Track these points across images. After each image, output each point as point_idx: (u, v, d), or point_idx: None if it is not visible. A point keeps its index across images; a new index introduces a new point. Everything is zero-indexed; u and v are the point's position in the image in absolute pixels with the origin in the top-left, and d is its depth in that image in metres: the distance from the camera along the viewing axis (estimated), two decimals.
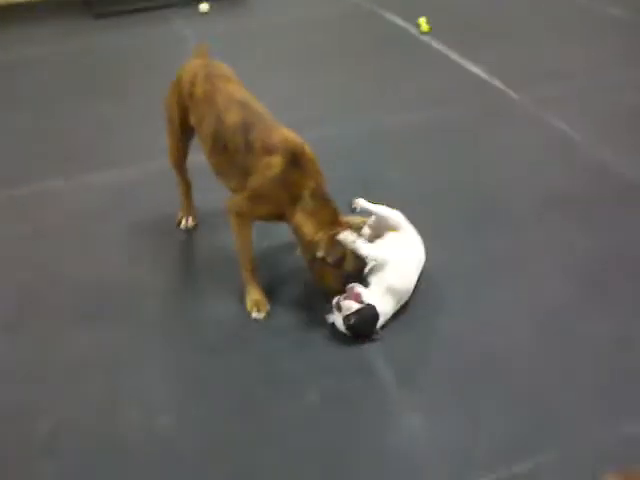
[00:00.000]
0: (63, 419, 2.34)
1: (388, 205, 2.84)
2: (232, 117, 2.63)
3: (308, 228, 2.53)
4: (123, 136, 4.21)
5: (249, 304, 2.72)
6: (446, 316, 2.64)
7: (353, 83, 4.76)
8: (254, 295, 2.72)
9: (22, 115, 4.61)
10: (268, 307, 2.72)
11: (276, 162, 2.50)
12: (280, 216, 2.62)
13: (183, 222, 3.24)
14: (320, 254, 2.50)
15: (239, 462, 2.17)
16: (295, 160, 2.51)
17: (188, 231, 3.24)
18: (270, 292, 2.78)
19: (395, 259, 2.61)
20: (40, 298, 2.91)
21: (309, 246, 2.56)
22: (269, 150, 2.52)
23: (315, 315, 2.68)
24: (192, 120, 2.86)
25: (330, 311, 2.55)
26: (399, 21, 5.81)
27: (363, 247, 2.53)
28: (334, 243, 2.51)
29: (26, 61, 5.58)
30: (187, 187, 3.21)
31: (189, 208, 3.24)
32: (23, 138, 4.31)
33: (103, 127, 4.36)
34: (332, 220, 2.55)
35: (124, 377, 2.50)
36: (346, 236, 2.50)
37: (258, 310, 2.69)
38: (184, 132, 2.99)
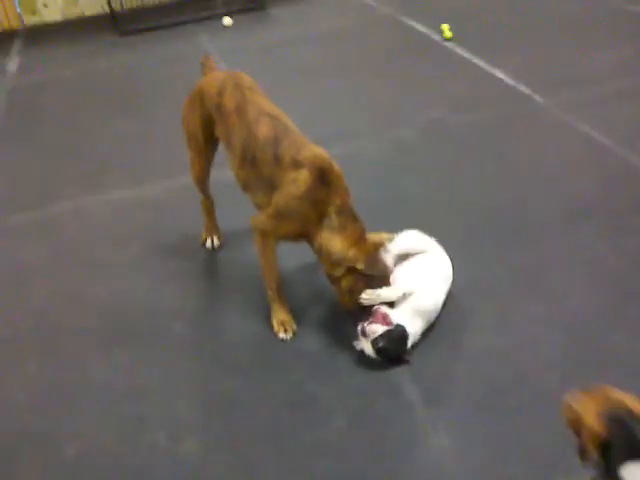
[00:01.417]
0: (88, 444, 2.34)
1: (412, 219, 2.80)
2: (263, 130, 2.59)
3: (336, 245, 2.47)
4: (147, 153, 4.23)
5: (276, 324, 2.69)
6: (474, 333, 2.59)
7: (376, 94, 4.72)
8: (280, 315, 2.70)
9: (45, 135, 4.66)
10: (295, 327, 2.69)
11: (303, 178, 2.45)
12: (304, 235, 2.57)
13: (208, 242, 3.22)
14: (360, 267, 2.45)
15: None
16: (322, 177, 2.46)
17: (212, 250, 3.23)
18: (296, 312, 2.75)
19: (423, 282, 2.57)
20: (63, 322, 2.92)
21: (337, 263, 2.50)
22: (297, 165, 2.48)
23: (341, 336, 2.64)
24: (219, 132, 2.81)
25: (357, 337, 2.50)
26: (422, 28, 5.77)
27: (391, 293, 2.50)
28: (375, 258, 2.48)
29: (53, 81, 5.66)
30: (210, 205, 3.19)
31: (213, 227, 3.23)
32: (47, 157, 4.36)
33: (126, 145, 4.39)
34: (359, 236, 2.50)
35: (150, 401, 2.49)
36: (370, 294, 2.48)
37: (285, 330, 2.67)
38: (208, 146, 2.96)
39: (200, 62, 3.10)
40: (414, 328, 2.49)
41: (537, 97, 4.33)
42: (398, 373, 2.45)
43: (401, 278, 2.57)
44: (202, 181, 3.11)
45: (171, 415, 2.42)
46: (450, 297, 2.68)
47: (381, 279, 2.51)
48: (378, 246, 2.52)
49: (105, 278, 3.15)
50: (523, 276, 2.87)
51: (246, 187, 2.71)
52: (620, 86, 4.34)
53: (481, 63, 4.92)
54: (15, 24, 7.23)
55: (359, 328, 2.47)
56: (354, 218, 2.51)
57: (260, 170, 2.57)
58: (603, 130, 3.85)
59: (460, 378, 2.43)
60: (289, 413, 2.37)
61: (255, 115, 2.64)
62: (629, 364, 2.38)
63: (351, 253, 2.45)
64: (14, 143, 4.61)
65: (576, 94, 4.31)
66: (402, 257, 2.71)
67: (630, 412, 1.52)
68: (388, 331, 2.41)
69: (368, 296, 2.48)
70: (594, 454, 1.52)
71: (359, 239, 2.49)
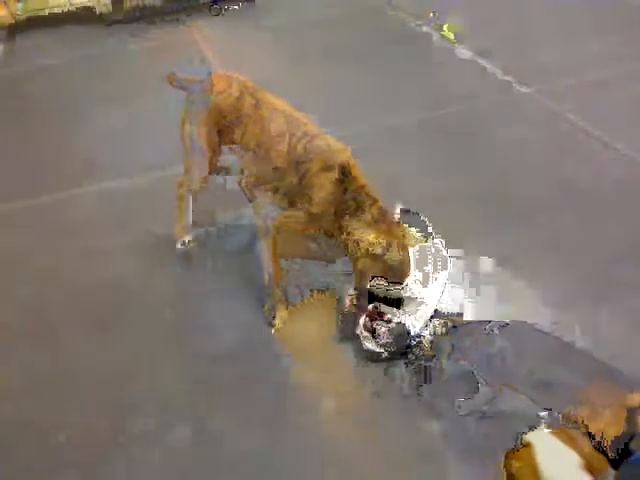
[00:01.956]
0: (79, 430, 2.36)
1: (405, 203, 2.84)
2: (276, 126, 2.68)
3: (357, 226, 2.53)
4: (135, 144, 4.21)
5: (278, 321, 2.72)
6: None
7: (366, 82, 4.72)
8: (284, 313, 2.74)
9: (33, 125, 4.63)
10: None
11: (330, 180, 2.54)
12: (320, 226, 2.66)
13: (185, 240, 3.18)
14: (378, 251, 2.48)
15: (256, 474, 2.17)
16: (344, 172, 2.55)
17: (199, 239, 3.23)
18: (291, 300, 2.79)
19: (432, 289, 2.61)
20: (53, 309, 2.93)
21: (357, 244, 2.53)
22: (325, 167, 2.56)
23: (329, 323, 2.68)
24: (230, 137, 2.83)
25: (359, 327, 2.54)
26: (409, 17, 5.77)
27: (395, 292, 2.54)
28: (394, 248, 2.51)
29: (39, 70, 5.61)
30: (187, 206, 3.15)
31: (186, 226, 3.19)
32: (34, 147, 4.33)
33: (114, 135, 4.36)
34: (380, 218, 2.55)
35: (139, 387, 2.51)
36: (379, 286, 2.52)
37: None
38: (214, 155, 2.93)
39: (169, 82, 3.00)
40: (416, 323, 2.52)
41: (522, 85, 4.36)
42: (388, 360, 2.49)
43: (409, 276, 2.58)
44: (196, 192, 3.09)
45: (161, 401, 2.44)
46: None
47: (397, 271, 2.53)
48: (404, 238, 2.55)
49: (95, 265, 3.16)
50: (507, 260, 2.90)
51: (258, 181, 2.77)
52: (604, 74, 4.37)
53: (467, 52, 4.94)
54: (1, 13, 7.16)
55: (362, 322, 2.52)
56: (374, 200, 2.57)
57: (272, 161, 2.65)
58: (587, 117, 3.89)
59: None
60: (278, 398, 2.40)
61: (268, 112, 2.73)
62: (611, 347, 2.42)
63: (373, 237, 2.50)
64: (1, 132, 4.58)
65: (561, 82, 4.34)
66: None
67: None
68: (391, 329, 2.47)
69: (376, 286, 2.52)
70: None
71: (381, 222, 2.54)
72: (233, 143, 2.83)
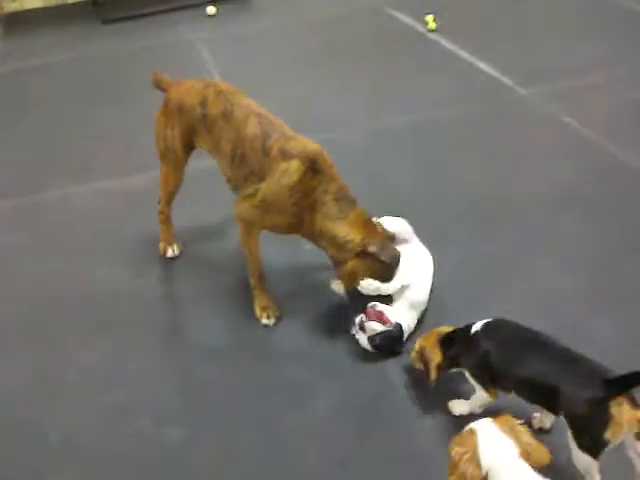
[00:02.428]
0: (73, 430, 2.35)
1: (395, 209, 2.82)
2: (251, 127, 2.58)
3: (342, 229, 2.43)
4: (130, 143, 4.20)
5: (258, 310, 2.71)
6: (458, 320, 2.59)
7: (360, 83, 4.73)
8: (263, 301, 2.71)
9: (28, 123, 4.62)
10: (278, 313, 2.71)
11: (294, 169, 2.43)
12: (295, 226, 2.54)
13: (169, 252, 3.14)
14: (373, 249, 2.41)
15: (252, 474, 2.16)
16: (313, 165, 2.44)
17: (193, 241, 3.22)
18: (280, 299, 2.77)
19: (416, 275, 2.61)
20: (47, 309, 2.92)
21: (343, 246, 2.45)
22: (286, 155, 2.46)
23: (325, 322, 2.67)
24: (202, 142, 2.77)
25: (354, 326, 2.53)
26: (407, 19, 5.77)
27: (387, 287, 2.54)
28: (387, 244, 2.47)
29: (35, 69, 5.59)
30: (169, 215, 3.12)
31: (171, 236, 3.16)
32: (30, 145, 4.32)
33: (110, 134, 4.36)
34: (365, 220, 2.48)
35: (134, 387, 2.50)
36: (369, 285, 2.51)
37: (268, 316, 2.68)
38: (185, 159, 2.91)
39: (152, 82, 2.97)
40: (410, 322, 2.53)
41: (520, 88, 4.37)
42: (383, 357, 2.49)
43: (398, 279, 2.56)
44: (173, 195, 3.04)
45: (155, 401, 2.43)
46: (433, 286, 2.70)
47: (387, 267, 2.48)
48: (388, 233, 2.52)
49: (90, 265, 3.15)
50: (506, 264, 2.91)
51: (236, 186, 2.67)
52: (601, 78, 4.38)
53: (465, 54, 4.94)
54: None
55: (357, 321, 2.51)
56: (353, 202, 2.49)
57: (249, 165, 2.55)
58: (584, 120, 3.90)
59: None
60: (273, 397, 2.39)
61: (243, 115, 2.62)
62: (608, 350, 2.42)
63: (360, 237, 2.43)
64: None
65: (558, 85, 4.35)
66: None
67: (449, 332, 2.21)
68: (386, 331, 2.46)
69: (367, 286, 2.49)
70: (435, 375, 2.18)
71: (366, 223, 2.47)
72: (208, 147, 2.76)
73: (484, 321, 2.16)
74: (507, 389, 2.07)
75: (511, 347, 2.06)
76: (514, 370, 2.01)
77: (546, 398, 1.94)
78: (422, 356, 2.26)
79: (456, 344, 2.20)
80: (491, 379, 2.09)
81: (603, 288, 2.73)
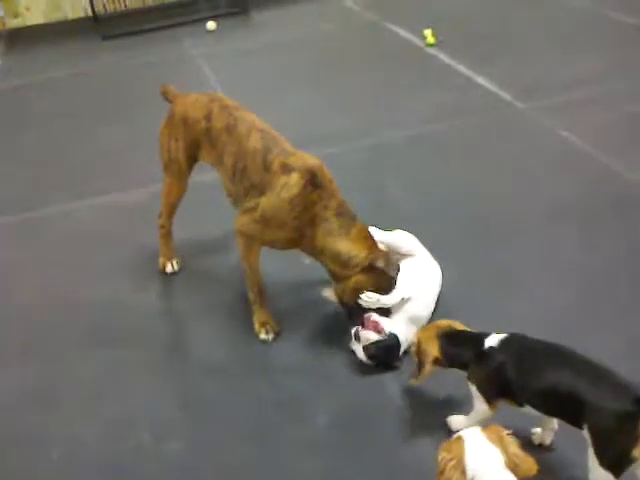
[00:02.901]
0: (73, 445, 2.36)
1: (396, 223, 2.84)
2: (253, 142, 2.60)
3: (345, 245, 2.45)
4: (131, 158, 4.23)
5: (257, 326, 2.71)
6: None
7: (359, 98, 4.76)
8: (262, 317, 2.72)
9: (30, 139, 4.65)
10: (277, 328, 2.71)
11: (294, 182, 2.44)
12: (295, 241, 2.55)
13: (168, 267, 3.15)
14: (380, 264, 2.45)
15: None
16: (313, 180, 2.45)
17: (193, 255, 3.24)
18: (279, 314, 2.78)
19: (418, 289, 2.61)
20: (48, 323, 2.93)
21: (347, 262, 2.47)
22: (286, 169, 2.48)
23: (324, 337, 2.68)
24: (206, 155, 2.79)
25: (351, 339, 2.54)
26: (405, 34, 5.82)
27: (388, 299, 2.53)
28: (392, 258, 2.51)
29: (36, 84, 5.64)
30: (169, 229, 3.13)
31: (171, 251, 3.17)
32: (31, 161, 4.35)
33: (111, 149, 4.39)
34: (367, 236, 2.50)
35: (134, 402, 2.51)
36: (370, 298, 2.50)
37: (266, 331, 2.69)
38: (189, 171, 2.93)
39: (160, 93, 3.01)
40: (408, 336, 2.51)
41: (518, 103, 4.39)
42: (381, 371, 2.49)
43: (398, 284, 2.58)
44: (175, 206, 3.05)
45: (155, 416, 2.44)
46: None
47: (392, 281, 2.51)
48: (388, 247, 2.55)
49: (90, 280, 3.16)
50: (505, 276, 2.92)
51: (237, 201, 2.69)
52: (598, 91, 4.41)
53: (463, 69, 4.98)
54: None
55: (353, 331, 2.51)
56: (354, 218, 2.51)
57: (250, 179, 2.56)
58: (581, 134, 3.92)
59: (444, 378, 2.45)
60: (273, 412, 2.40)
61: (246, 130, 2.64)
62: (607, 363, 2.42)
63: (365, 253, 2.45)
64: None
65: (556, 100, 4.38)
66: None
67: (451, 328, 2.19)
68: (381, 340, 2.46)
69: (368, 299, 2.50)
70: (429, 369, 2.15)
71: (367, 238, 2.50)
72: (212, 161, 2.78)
73: (500, 336, 2.09)
74: (520, 403, 2.01)
75: (531, 359, 2.00)
76: (533, 382, 1.95)
77: (569, 411, 1.88)
78: (418, 349, 2.22)
79: (462, 347, 2.15)
80: (501, 393, 2.04)
81: (602, 301, 2.74)
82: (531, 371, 1.98)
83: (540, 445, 2.13)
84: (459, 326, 2.25)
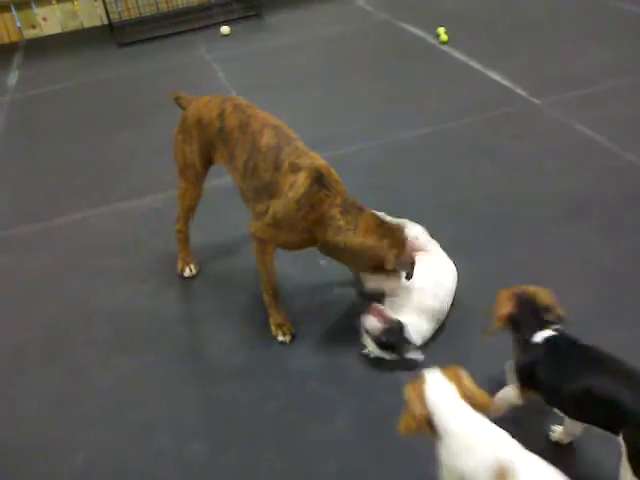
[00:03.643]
0: (96, 451, 2.38)
1: (411, 220, 2.84)
2: (266, 139, 2.59)
3: (354, 240, 2.44)
4: (148, 164, 4.27)
5: (274, 328, 2.73)
6: (475, 333, 2.60)
7: (374, 97, 4.77)
8: (278, 319, 2.73)
9: (47, 148, 4.70)
10: (293, 330, 2.73)
11: (301, 180, 2.45)
12: (308, 242, 2.56)
13: (186, 271, 3.17)
14: (391, 265, 2.45)
15: None
16: (320, 179, 2.46)
17: (210, 259, 3.26)
18: (295, 315, 2.79)
19: (428, 281, 2.62)
20: (69, 331, 2.96)
21: (360, 256, 2.47)
22: (295, 169, 2.48)
23: (340, 336, 2.69)
24: (219, 156, 2.80)
25: (361, 335, 2.55)
26: (418, 32, 5.81)
27: (393, 283, 2.54)
28: (405, 254, 2.49)
29: (54, 93, 5.70)
30: (187, 233, 3.14)
31: (189, 255, 3.19)
32: (49, 169, 4.40)
33: (128, 156, 4.43)
34: (376, 223, 2.48)
35: (154, 407, 2.53)
36: (374, 281, 2.52)
37: (283, 333, 2.71)
38: (204, 175, 2.95)
39: (173, 99, 3.02)
40: (420, 326, 2.53)
41: (533, 98, 4.37)
42: (399, 370, 2.49)
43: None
44: (192, 210, 3.06)
45: (176, 420, 2.46)
46: (454, 298, 2.72)
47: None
48: (404, 237, 2.50)
49: (110, 287, 3.19)
50: (522, 274, 2.88)
51: (247, 199, 2.71)
52: (614, 85, 4.38)
53: (477, 65, 4.96)
54: (15, 38, 7.30)
55: (362, 324, 2.53)
56: (360, 209, 2.50)
57: (260, 177, 2.57)
58: (598, 129, 3.89)
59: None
60: (292, 414, 2.41)
61: (259, 127, 2.64)
62: (625, 359, 2.40)
63: (377, 243, 2.44)
64: (16, 156, 4.66)
65: (572, 94, 4.35)
66: None
67: (533, 294, 2.15)
68: (385, 327, 2.48)
69: (372, 283, 2.52)
70: (497, 327, 2.14)
71: (379, 226, 2.46)
72: (225, 160, 2.78)
73: (549, 333, 2.04)
74: (550, 403, 2.00)
75: (566, 364, 1.97)
76: (567, 386, 1.92)
77: (603, 416, 1.85)
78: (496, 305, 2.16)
79: (525, 325, 2.09)
80: (531, 387, 2.03)
81: (622, 298, 2.71)
82: (564, 376, 1.94)
83: (557, 443, 2.12)
84: (544, 297, 2.16)
